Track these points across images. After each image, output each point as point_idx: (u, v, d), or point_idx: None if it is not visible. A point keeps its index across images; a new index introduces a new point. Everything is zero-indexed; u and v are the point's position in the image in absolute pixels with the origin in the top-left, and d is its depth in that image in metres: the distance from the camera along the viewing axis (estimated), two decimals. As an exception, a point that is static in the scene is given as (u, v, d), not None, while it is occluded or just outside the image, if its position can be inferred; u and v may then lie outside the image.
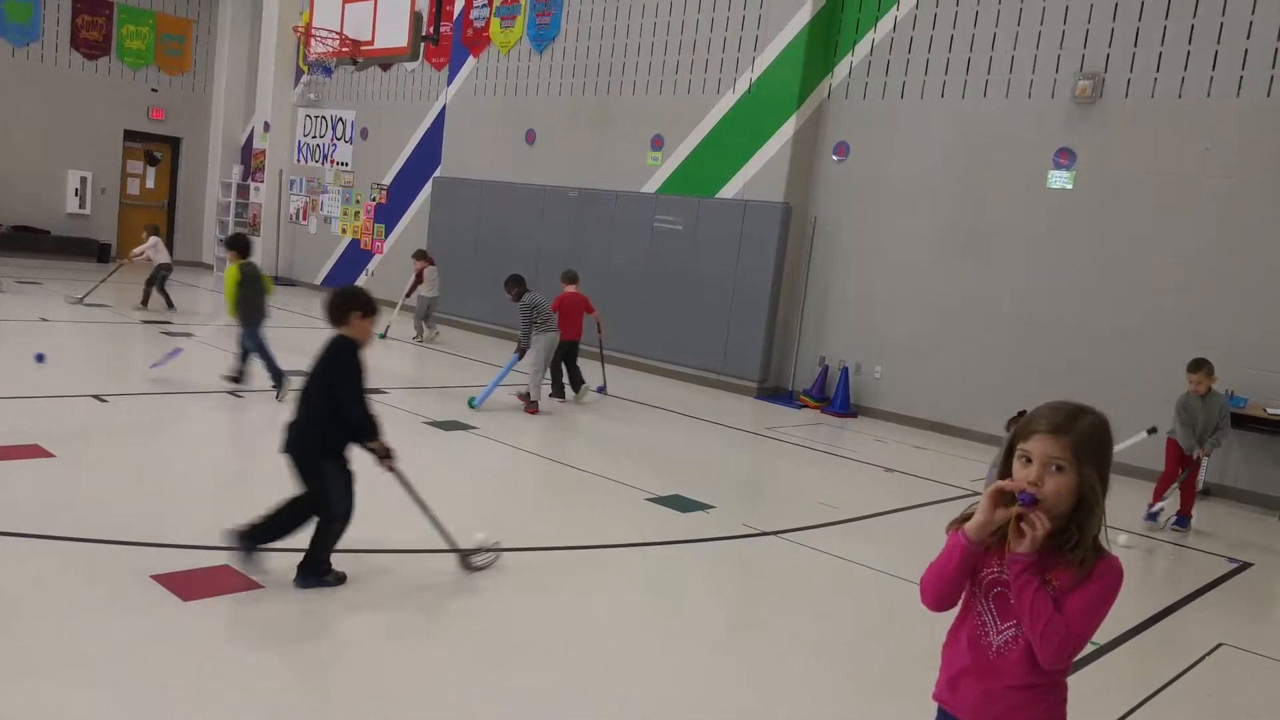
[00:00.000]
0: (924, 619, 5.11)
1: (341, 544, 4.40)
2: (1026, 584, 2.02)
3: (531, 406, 8.87)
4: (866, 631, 4.69)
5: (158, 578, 4.21)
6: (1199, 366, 7.05)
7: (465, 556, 4.71)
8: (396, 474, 4.48)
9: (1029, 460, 2.05)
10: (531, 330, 8.93)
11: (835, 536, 6.07)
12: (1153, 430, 7.07)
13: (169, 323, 12.00)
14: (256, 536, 4.27)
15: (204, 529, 4.76)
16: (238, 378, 8.27)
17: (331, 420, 4.28)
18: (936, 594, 2.14)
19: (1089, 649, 4.50)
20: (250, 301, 8.18)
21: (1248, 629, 5.39)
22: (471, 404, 8.72)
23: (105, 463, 6.06)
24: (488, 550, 4.79)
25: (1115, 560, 2.06)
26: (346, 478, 4.36)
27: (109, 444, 6.48)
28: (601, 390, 10.26)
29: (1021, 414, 6.45)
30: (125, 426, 7.01)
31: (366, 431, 4.35)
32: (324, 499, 4.29)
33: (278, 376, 8.10)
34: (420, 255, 13.10)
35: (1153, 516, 7.09)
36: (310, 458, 4.28)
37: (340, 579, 4.37)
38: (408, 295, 13.02)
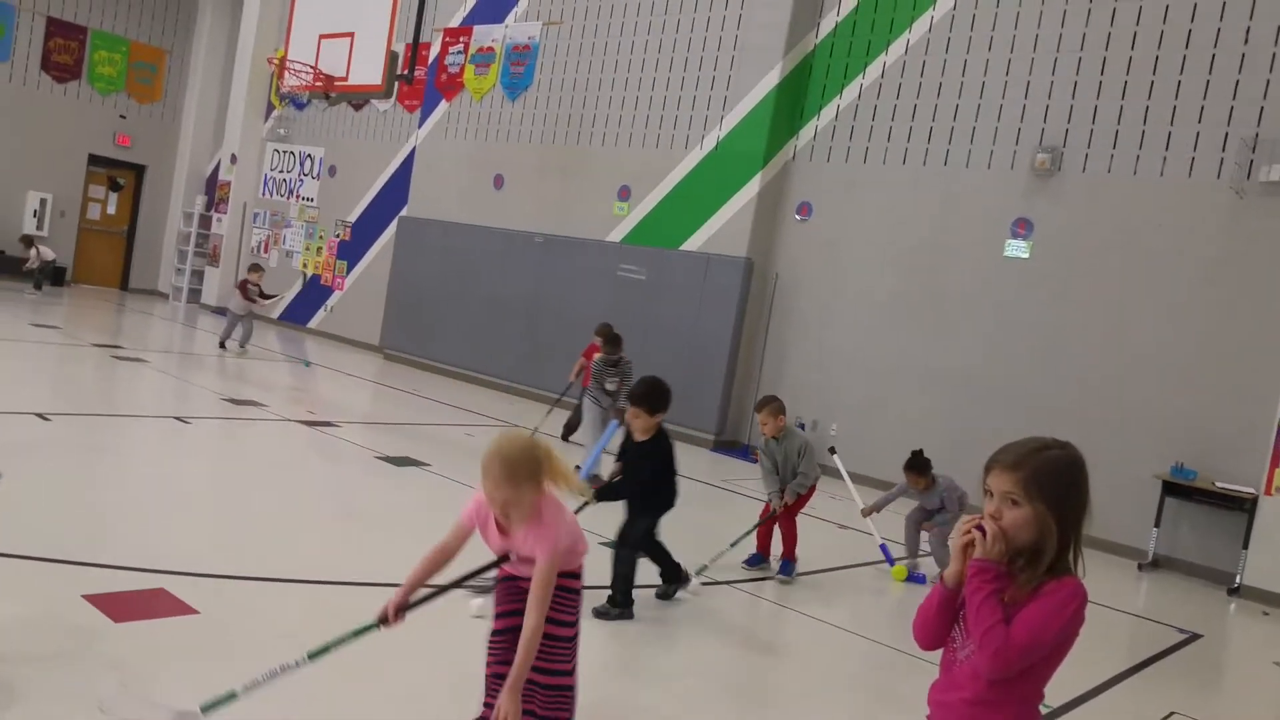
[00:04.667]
0: (865, 670, 5.05)
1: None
2: (977, 590, 2.07)
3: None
4: (817, 680, 4.63)
5: (90, 597, 4.06)
6: (763, 405, 6.33)
7: None
8: None
9: (990, 494, 2.09)
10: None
11: (787, 589, 6.04)
12: (831, 450, 7.60)
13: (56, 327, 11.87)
14: None
15: (142, 551, 4.61)
16: None
17: None
18: (922, 633, 2.23)
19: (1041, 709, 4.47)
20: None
21: (1198, 698, 5.40)
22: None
23: (44, 481, 5.87)
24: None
25: (1070, 581, 2.07)
26: None
27: (49, 462, 6.29)
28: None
29: (918, 453, 6.44)
30: (67, 445, 6.82)
31: None
32: None
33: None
34: (26, 239, 15.98)
35: (750, 561, 6.38)
36: None
37: None
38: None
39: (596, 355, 8.58)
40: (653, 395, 5.08)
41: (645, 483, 5.11)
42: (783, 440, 6.29)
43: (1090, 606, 6.40)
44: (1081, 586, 2.08)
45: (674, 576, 5.46)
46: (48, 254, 16.27)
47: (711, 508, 8.56)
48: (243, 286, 12.93)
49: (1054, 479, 2.07)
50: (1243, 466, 8.10)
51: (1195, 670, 5.93)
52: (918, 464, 6.69)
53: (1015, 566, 2.08)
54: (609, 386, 8.35)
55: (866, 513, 6.91)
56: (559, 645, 3.04)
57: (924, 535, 6.89)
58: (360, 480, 7.43)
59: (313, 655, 3.06)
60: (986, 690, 2.09)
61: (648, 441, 5.12)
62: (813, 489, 6.40)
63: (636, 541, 5.13)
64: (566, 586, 3.06)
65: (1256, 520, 7.87)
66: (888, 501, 7.00)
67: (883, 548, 6.91)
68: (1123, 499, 8.51)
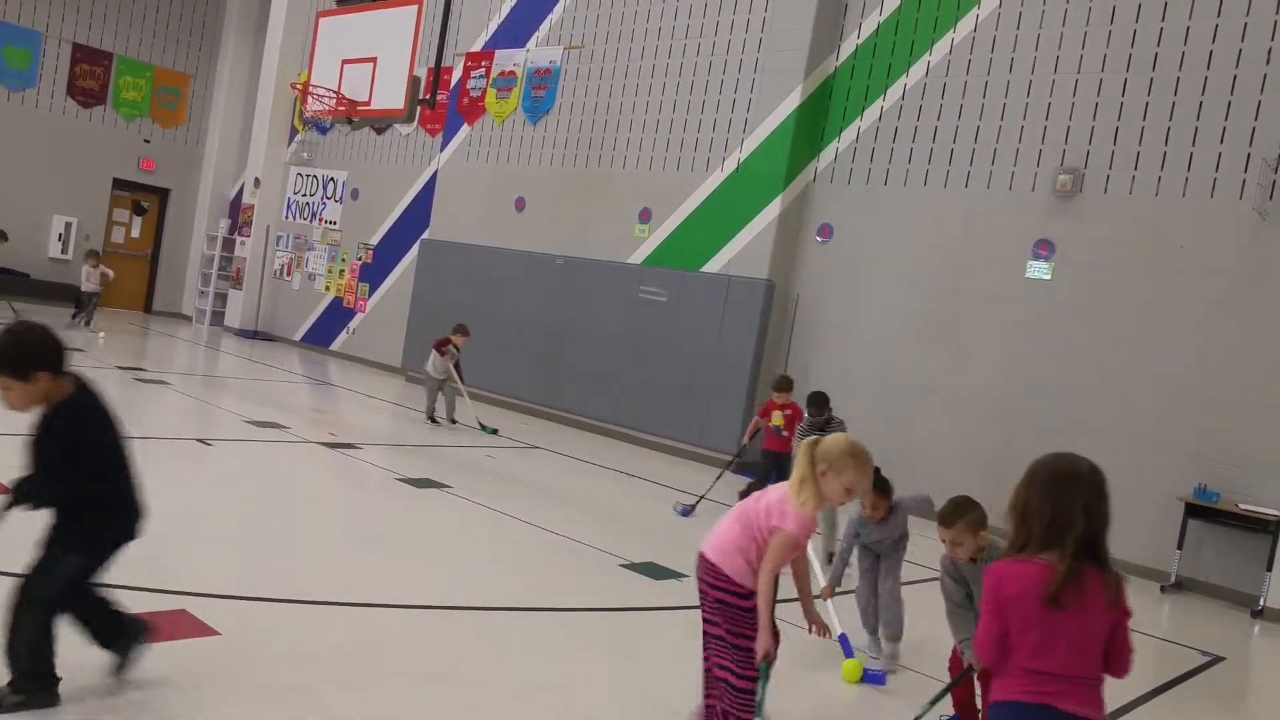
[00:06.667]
0: (887, 694, 4.98)
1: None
2: None
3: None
4: (830, 705, 4.60)
5: (113, 618, 4.08)
6: (958, 515, 4.01)
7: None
8: None
9: None
10: None
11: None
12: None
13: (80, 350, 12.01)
14: None
15: (163, 572, 4.64)
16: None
17: None
18: None
19: None
20: None
21: (1221, 723, 5.33)
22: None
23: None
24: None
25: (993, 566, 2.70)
26: None
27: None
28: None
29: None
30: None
31: None
32: None
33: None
34: (91, 254, 15.73)
35: None
36: None
37: None
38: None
39: (804, 419, 7.67)
40: (17, 352, 3.12)
41: (63, 478, 3.18)
42: (983, 559, 3.96)
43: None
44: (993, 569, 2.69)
45: (118, 631, 3.54)
46: (108, 273, 15.55)
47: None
48: (440, 345, 11.23)
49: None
50: (1266, 488, 8.01)
51: (1218, 693, 5.86)
52: (882, 484, 5.20)
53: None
54: None
55: (828, 593, 5.10)
56: (746, 653, 3.52)
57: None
58: (381, 502, 7.46)
59: None
60: None
61: (57, 409, 3.22)
62: None
63: (57, 597, 3.24)
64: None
65: (1282, 543, 7.78)
66: (844, 562, 5.36)
67: (843, 639, 5.01)
68: (1145, 521, 8.43)
